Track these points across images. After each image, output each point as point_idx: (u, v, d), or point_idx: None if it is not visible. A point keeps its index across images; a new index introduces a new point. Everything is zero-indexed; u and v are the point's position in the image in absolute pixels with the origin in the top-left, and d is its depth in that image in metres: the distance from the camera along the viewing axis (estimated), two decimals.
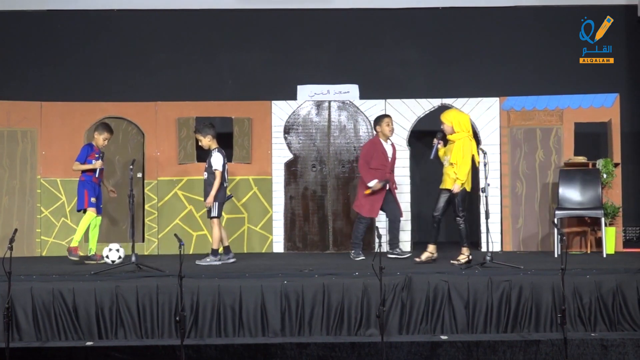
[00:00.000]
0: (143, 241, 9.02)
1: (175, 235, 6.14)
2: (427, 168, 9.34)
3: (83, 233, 7.87)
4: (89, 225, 7.89)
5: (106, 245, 7.82)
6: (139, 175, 9.11)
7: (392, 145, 8.40)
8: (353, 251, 8.24)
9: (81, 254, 7.83)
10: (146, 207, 9.09)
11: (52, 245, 8.94)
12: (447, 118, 7.55)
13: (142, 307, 6.25)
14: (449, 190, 7.41)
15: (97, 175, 7.89)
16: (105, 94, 9.87)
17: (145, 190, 9.11)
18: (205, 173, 7.94)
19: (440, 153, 7.57)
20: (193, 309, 6.25)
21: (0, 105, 9.03)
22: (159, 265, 7.11)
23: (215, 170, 7.82)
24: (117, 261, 7.61)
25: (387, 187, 8.27)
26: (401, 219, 8.35)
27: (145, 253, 8.89)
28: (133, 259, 7.06)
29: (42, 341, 6.17)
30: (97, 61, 10.43)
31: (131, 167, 7.47)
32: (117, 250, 7.71)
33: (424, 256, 7.53)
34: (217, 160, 7.85)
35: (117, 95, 9.76)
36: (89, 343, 6.13)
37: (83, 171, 7.91)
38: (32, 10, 10.50)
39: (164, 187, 9.11)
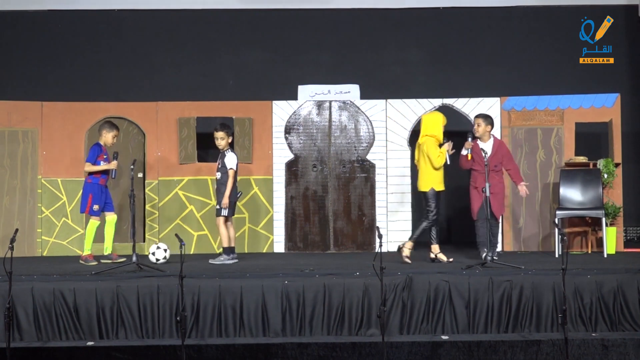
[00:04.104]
0: (144, 241, 9.03)
1: (176, 235, 6.15)
2: None
3: (91, 240, 7.85)
4: (95, 228, 7.88)
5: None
6: (140, 175, 9.11)
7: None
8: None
9: (94, 263, 7.75)
10: (147, 207, 9.10)
11: (53, 245, 8.95)
12: None
13: (143, 307, 6.25)
14: None
15: (113, 176, 7.85)
16: (106, 94, 9.87)
17: (146, 190, 9.11)
18: (219, 173, 7.94)
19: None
20: (194, 309, 6.25)
21: (1, 105, 9.04)
22: (159, 265, 7.11)
23: (230, 169, 7.84)
24: (162, 260, 7.72)
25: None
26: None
27: (146, 253, 8.88)
28: (134, 259, 7.06)
29: (43, 341, 6.17)
30: (98, 61, 10.44)
31: (132, 167, 7.48)
32: (165, 250, 7.80)
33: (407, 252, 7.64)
34: (232, 159, 7.88)
35: (117, 95, 9.76)
36: (89, 343, 6.14)
37: (91, 173, 7.88)
38: (32, 10, 10.50)
39: (165, 187, 9.12)
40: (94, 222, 7.84)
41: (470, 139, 7.76)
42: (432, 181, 7.58)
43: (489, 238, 7.35)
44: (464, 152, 7.78)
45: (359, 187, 9.23)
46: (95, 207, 7.81)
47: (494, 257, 7.22)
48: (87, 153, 7.97)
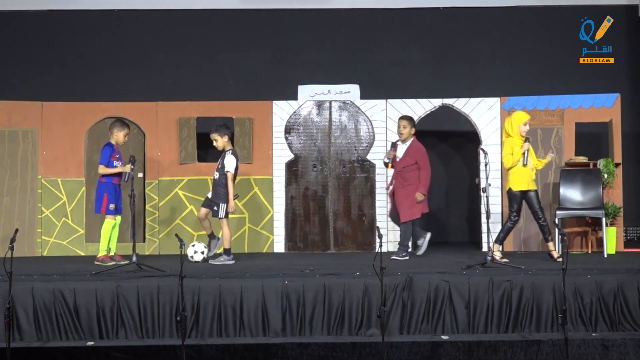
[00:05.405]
0: (144, 241, 9.03)
1: (176, 235, 6.15)
2: None
3: (107, 241, 7.80)
4: (111, 228, 7.83)
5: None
6: (140, 175, 9.11)
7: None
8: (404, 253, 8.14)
9: (114, 261, 7.72)
10: (147, 207, 9.10)
11: (53, 245, 8.94)
12: None
13: (143, 307, 6.25)
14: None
15: (126, 180, 7.69)
16: (106, 94, 9.87)
17: (146, 190, 9.11)
18: (217, 173, 7.92)
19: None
20: (194, 309, 6.25)
21: (1, 105, 9.04)
22: (159, 265, 7.12)
23: (227, 172, 7.81)
24: (207, 255, 7.94)
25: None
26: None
27: (146, 253, 8.89)
28: (134, 259, 7.06)
29: (43, 341, 6.17)
30: (98, 61, 10.44)
31: (132, 166, 7.48)
32: (206, 248, 7.98)
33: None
34: (230, 162, 7.84)
35: (117, 95, 9.76)
36: (90, 343, 6.14)
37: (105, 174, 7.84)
38: (32, 10, 10.50)
39: (165, 187, 9.12)
40: (110, 221, 7.77)
41: (391, 149, 8.24)
42: (511, 181, 7.59)
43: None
44: (385, 160, 8.36)
45: (359, 187, 9.24)
46: (112, 206, 7.75)
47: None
48: (100, 154, 7.92)
